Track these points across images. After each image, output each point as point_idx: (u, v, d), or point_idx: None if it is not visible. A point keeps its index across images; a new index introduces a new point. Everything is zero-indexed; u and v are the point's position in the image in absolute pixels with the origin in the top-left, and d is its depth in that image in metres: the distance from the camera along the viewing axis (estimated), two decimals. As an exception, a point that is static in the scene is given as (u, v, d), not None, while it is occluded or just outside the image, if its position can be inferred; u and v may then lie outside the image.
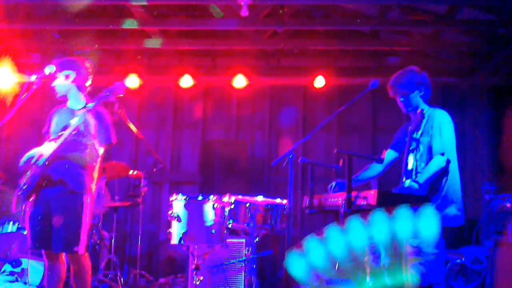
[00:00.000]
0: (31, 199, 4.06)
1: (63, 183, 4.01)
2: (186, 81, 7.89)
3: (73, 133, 3.99)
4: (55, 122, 4.23)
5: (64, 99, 4.27)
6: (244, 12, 5.94)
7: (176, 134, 8.55)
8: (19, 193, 4.05)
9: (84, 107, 4.14)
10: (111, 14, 6.93)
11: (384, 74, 7.21)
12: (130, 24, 6.67)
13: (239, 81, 7.87)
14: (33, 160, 4.06)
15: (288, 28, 7.03)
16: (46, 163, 4.01)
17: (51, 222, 3.97)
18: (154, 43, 7.29)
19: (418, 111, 3.94)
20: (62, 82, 4.20)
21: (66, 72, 4.19)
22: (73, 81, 4.20)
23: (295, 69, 8.18)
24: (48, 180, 4.02)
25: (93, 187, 4.13)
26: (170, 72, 8.06)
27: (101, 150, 4.15)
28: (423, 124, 3.80)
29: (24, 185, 4.05)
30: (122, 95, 4.14)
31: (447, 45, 7.52)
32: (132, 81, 7.67)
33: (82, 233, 3.99)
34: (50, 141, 4.16)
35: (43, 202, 4.02)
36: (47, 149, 4.06)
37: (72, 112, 4.16)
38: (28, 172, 4.08)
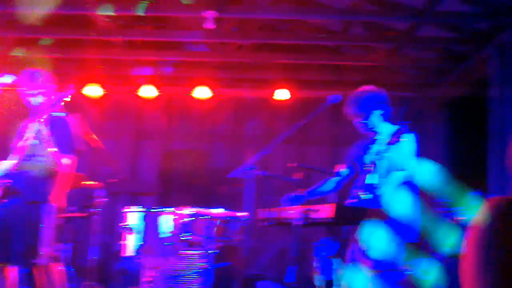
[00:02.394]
0: None
1: (21, 194, 3.94)
2: (149, 91, 7.82)
3: (30, 143, 3.90)
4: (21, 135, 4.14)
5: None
6: (210, 25, 5.94)
7: (137, 144, 8.46)
8: None
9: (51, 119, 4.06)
10: (74, 23, 6.85)
11: (346, 88, 7.33)
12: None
13: (202, 93, 7.84)
14: None
15: (252, 42, 7.06)
16: (7, 174, 3.94)
17: (9, 234, 3.87)
18: (116, 53, 7.21)
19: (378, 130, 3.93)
20: (34, 99, 4.11)
21: (21, 88, 4.10)
22: (43, 98, 4.11)
23: (258, 81, 8.20)
24: (8, 192, 3.94)
25: (59, 195, 4.01)
26: (132, 81, 7.98)
27: (64, 160, 4.04)
28: (383, 141, 3.79)
29: None
30: (68, 100, 4.05)
31: (408, 60, 7.66)
32: (93, 90, 7.56)
33: (40, 245, 3.88)
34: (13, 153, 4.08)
35: (2, 214, 3.92)
36: (10, 160, 3.98)
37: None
38: None
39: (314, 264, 3.57)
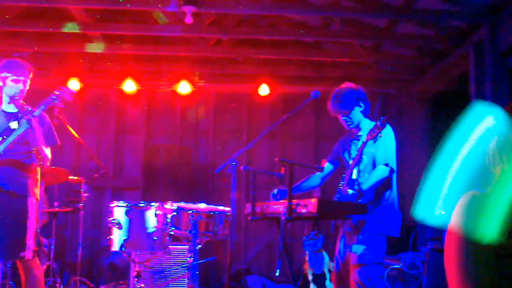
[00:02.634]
0: None
1: (5, 188, 3.91)
2: (129, 86, 7.80)
3: (17, 139, 3.89)
4: None
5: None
6: (189, 20, 5.93)
7: (119, 139, 8.45)
8: None
9: (24, 111, 4.04)
10: (52, 17, 6.79)
11: (327, 83, 7.45)
12: (71, 27, 6.53)
13: (184, 88, 7.85)
14: None
15: (232, 37, 7.09)
16: None
17: None
18: (96, 47, 7.17)
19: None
20: (16, 86, 4.07)
21: (5, 74, 4.07)
22: (24, 86, 4.09)
23: (239, 76, 8.24)
24: None
25: (37, 190, 4.04)
26: (112, 76, 7.95)
27: (47, 151, 4.08)
28: (365, 138, 3.86)
29: None
30: (69, 101, 4.07)
31: (387, 57, 7.78)
32: (73, 84, 7.52)
33: (28, 238, 3.90)
34: None
35: None
36: None
37: (8, 115, 4.08)
38: None
39: (305, 258, 3.64)
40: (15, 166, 3.96)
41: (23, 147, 4.00)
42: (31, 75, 4.16)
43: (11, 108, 4.14)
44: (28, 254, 3.88)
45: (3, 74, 4.06)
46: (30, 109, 4.08)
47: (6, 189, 3.92)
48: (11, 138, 3.90)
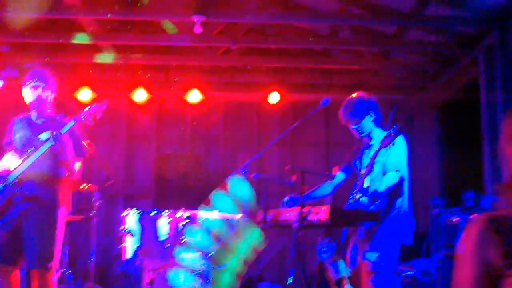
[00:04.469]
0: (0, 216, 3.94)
1: (37, 199, 3.93)
2: (140, 95, 7.86)
3: (49, 150, 3.91)
4: (20, 135, 4.13)
5: (33, 108, 4.15)
6: (198, 29, 5.98)
7: (130, 148, 8.49)
8: None
9: (54, 123, 4.06)
10: (62, 28, 6.86)
11: (336, 91, 7.47)
12: (82, 38, 6.59)
13: (194, 96, 7.89)
14: None
15: (241, 45, 7.12)
16: (18, 180, 3.92)
17: (22, 238, 3.87)
18: (106, 58, 7.22)
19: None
20: (33, 93, 4.09)
21: (37, 83, 4.08)
22: (43, 93, 4.10)
23: (249, 85, 8.27)
24: (20, 196, 3.92)
25: (67, 201, 4.07)
26: (123, 85, 8.01)
27: (77, 164, 4.10)
28: (377, 146, 3.85)
29: None
30: (98, 118, 4.08)
31: (396, 64, 7.78)
32: (85, 94, 7.59)
33: (56, 249, 3.92)
34: (16, 155, 4.06)
35: (13, 219, 3.91)
36: (15, 165, 3.97)
37: (37, 126, 4.09)
38: None
39: (325, 265, 3.65)
40: (44, 178, 3.97)
41: (52, 159, 3.98)
42: (53, 83, 4.15)
43: (41, 119, 4.15)
44: (55, 265, 3.90)
45: (24, 84, 4.10)
46: (60, 118, 4.09)
47: (37, 199, 3.93)
48: (40, 151, 3.90)
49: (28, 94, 4.10)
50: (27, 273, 4.64)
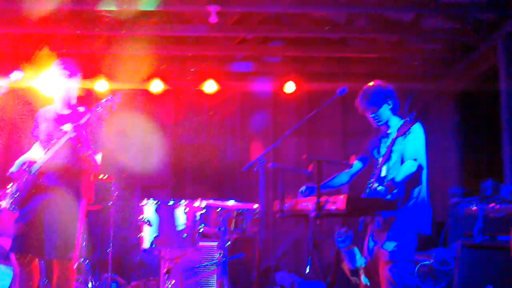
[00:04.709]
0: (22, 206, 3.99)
1: (58, 190, 3.97)
2: (157, 85, 7.89)
3: (68, 142, 3.94)
4: (44, 126, 4.17)
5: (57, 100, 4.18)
6: (213, 19, 5.97)
7: (147, 138, 8.54)
8: (11, 201, 3.98)
9: (76, 114, 4.08)
10: (80, 19, 6.89)
11: (353, 80, 7.43)
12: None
13: (210, 86, 7.90)
14: (25, 167, 4.02)
15: (257, 35, 7.11)
16: (40, 171, 3.97)
17: (43, 228, 3.91)
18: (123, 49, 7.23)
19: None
20: (58, 84, 4.11)
21: (66, 72, 4.10)
22: (67, 83, 4.12)
23: (265, 74, 8.25)
24: (42, 187, 3.98)
25: (89, 193, 4.11)
26: (140, 76, 8.03)
27: (98, 156, 4.12)
28: (394, 135, 3.82)
29: (16, 192, 4.00)
30: (114, 110, 4.10)
31: (413, 52, 7.70)
32: (101, 85, 7.63)
33: (77, 240, 3.97)
34: (41, 146, 4.11)
35: (35, 209, 3.96)
36: (39, 156, 4.01)
37: (60, 117, 4.12)
38: (19, 180, 4.03)
39: (342, 254, 3.65)
40: (65, 169, 4.01)
41: (73, 151, 4.01)
42: (78, 74, 4.17)
43: (64, 110, 4.17)
44: (75, 256, 3.95)
45: (62, 71, 4.11)
46: (82, 109, 4.12)
47: (58, 190, 3.97)
48: (60, 143, 3.94)
49: (53, 85, 4.13)
50: (47, 263, 4.70)
